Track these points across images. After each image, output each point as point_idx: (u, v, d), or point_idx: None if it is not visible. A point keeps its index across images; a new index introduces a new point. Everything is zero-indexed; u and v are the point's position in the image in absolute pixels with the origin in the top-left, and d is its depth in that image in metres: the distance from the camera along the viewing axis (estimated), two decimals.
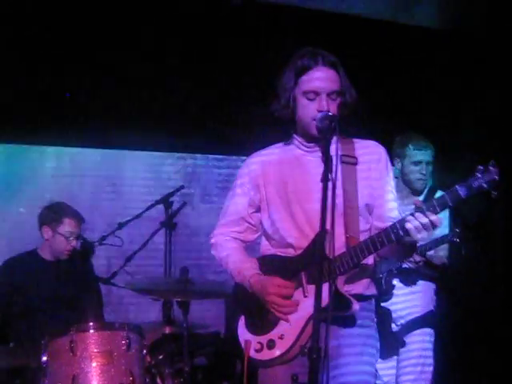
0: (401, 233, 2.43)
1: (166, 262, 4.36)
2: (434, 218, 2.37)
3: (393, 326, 4.05)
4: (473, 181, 2.33)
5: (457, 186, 2.36)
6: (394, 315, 4.04)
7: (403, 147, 4.14)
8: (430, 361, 4.07)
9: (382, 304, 3.95)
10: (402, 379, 4.06)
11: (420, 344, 4.05)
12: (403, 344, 4.04)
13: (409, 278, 4.05)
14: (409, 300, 4.06)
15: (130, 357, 3.19)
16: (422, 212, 2.37)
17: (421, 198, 4.11)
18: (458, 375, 5.11)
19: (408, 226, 2.39)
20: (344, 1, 5.22)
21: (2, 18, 4.65)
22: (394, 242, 2.47)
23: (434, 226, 2.38)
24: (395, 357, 4.07)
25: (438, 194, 4.12)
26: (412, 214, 2.40)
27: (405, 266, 4.00)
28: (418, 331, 4.06)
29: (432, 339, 4.10)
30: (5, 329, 4.19)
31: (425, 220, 2.37)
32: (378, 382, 4.16)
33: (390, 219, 2.63)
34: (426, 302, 4.11)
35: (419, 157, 4.11)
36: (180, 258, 4.33)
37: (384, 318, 3.89)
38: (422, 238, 2.42)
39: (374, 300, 2.81)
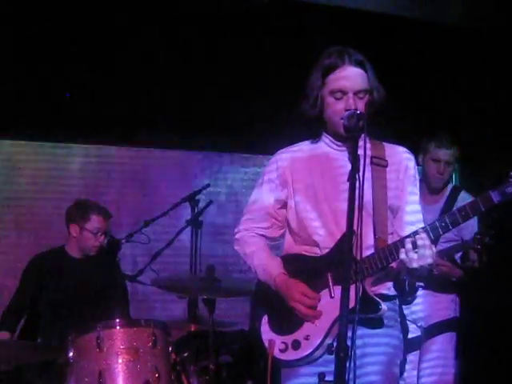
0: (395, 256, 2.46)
1: (191, 260, 4.36)
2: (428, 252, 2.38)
3: (413, 326, 4.02)
4: (507, 186, 2.30)
5: (490, 191, 2.33)
6: (414, 316, 4.02)
7: (427, 143, 4.14)
8: (452, 362, 4.05)
9: (404, 306, 3.92)
10: (422, 381, 4.04)
11: (441, 346, 4.03)
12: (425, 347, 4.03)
13: (432, 283, 4.02)
14: (429, 302, 4.02)
15: (156, 354, 3.19)
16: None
17: (442, 198, 4.07)
18: (480, 380, 5.08)
19: (401, 255, 2.41)
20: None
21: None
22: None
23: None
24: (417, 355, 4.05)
25: (462, 195, 4.09)
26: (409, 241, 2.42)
27: None
28: (439, 335, 4.03)
29: (453, 342, 4.07)
30: (33, 325, 4.23)
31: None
32: (401, 382, 4.16)
33: (411, 226, 2.64)
34: (447, 305, 4.07)
35: (439, 155, 4.08)
36: (206, 256, 4.32)
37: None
38: (418, 266, 2.41)
39: (397, 300, 2.79)
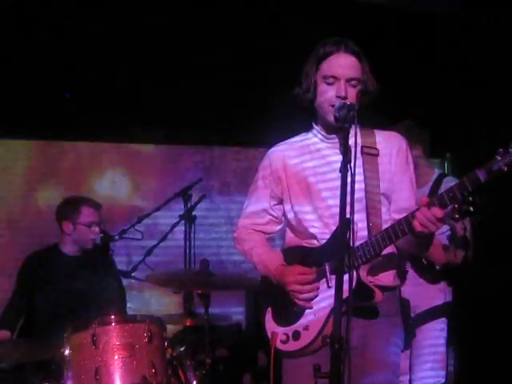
0: (406, 229, 2.45)
1: (185, 255, 4.36)
2: (439, 214, 2.36)
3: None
4: (493, 164, 2.29)
5: (476, 170, 2.32)
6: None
7: None
8: (443, 349, 4.06)
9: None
10: (414, 376, 4.05)
11: (431, 333, 4.04)
12: (414, 334, 4.03)
13: (421, 266, 4.02)
14: (416, 292, 4.02)
15: (152, 349, 3.19)
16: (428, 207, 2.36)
17: (428, 183, 4.05)
18: (474, 365, 5.10)
19: (414, 222, 2.40)
20: None
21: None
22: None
23: (440, 220, 2.37)
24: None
25: (447, 178, 4.09)
26: (417, 209, 2.39)
27: None
28: (429, 322, 4.04)
29: (444, 329, 4.08)
30: (29, 323, 4.23)
31: (431, 216, 2.36)
32: None
33: (406, 211, 2.60)
34: (435, 293, 4.07)
35: None
36: (200, 251, 4.33)
37: (403, 308, 3.88)
38: (429, 232, 2.41)
39: (398, 290, 2.80)
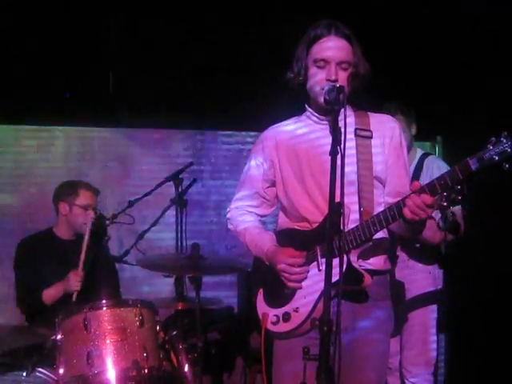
0: (397, 215, 2.45)
1: (177, 239, 4.36)
2: (429, 200, 2.36)
3: None
4: (484, 153, 2.29)
5: (468, 159, 2.31)
6: None
7: None
8: (433, 336, 4.09)
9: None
10: (404, 356, 4.08)
11: (421, 319, 4.06)
12: (406, 318, 4.06)
13: (411, 248, 4.04)
14: (406, 275, 4.04)
15: (144, 333, 3.21)
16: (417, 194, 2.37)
17: (412, 164, 4.05)
18: (467, 351, 5.13)
19: (405, 210, 2.41)
20: None
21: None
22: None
23: (430, 207, 2.38)
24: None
25: (431, 159, 4.10)
26: (407, 197, 2.40)
27: None
28: (419, 308, 4.06)
29: (434, 316, 4.10)
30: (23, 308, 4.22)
31: (420, 203, 2.37)
32: None
33: (401, 194, 2.61)
34: (425, 275, 4.09)
35: None
36: (191, 235, 4.32)
37: (397, 290, 3.90)
38: (419, 219, 2.41)
39: (388, 274, 2.81)
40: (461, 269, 4.68)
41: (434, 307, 4.11)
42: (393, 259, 3.87)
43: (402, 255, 4.04)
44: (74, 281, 3.97)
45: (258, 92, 5.08)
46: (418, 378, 4.06)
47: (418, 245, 3.99)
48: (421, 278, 4.07)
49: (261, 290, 2.84)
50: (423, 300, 4.08)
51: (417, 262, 4.07)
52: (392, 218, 2.48)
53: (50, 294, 4.04)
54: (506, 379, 4.81)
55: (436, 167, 4.00)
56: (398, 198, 2.52)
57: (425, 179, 3.90)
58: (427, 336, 4.08)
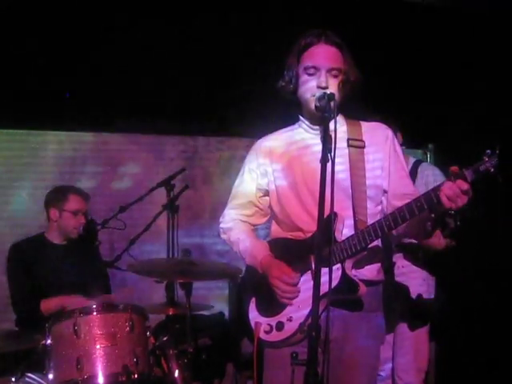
0: (425, 205, 2.40)
1: (168, 245, 4.35)
2: (465, 187, 2.33)
3: None
4: (480, 165, 2.31)
5: (463, 170, 2.33)
6: None
7: None
8: (425, 344, 4.10)
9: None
10: (396, 363, 4.09)
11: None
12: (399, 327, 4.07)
13: (413, 254, 4.05)
14: (405, 280, 4.05)
15: (134, 338, 3.21)
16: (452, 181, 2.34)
17: None
18: (456, 360, 5.14)
19: (441, 194, 2.35)
20: None
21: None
22: (413, 217, 2.44)
23: (466, 193, 2.34)
24: (391, 335, 4.09)
25: (424, 166, 4.12)
26: (441, 184, 2.37)
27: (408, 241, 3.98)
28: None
29: (427, 323, 4.11)
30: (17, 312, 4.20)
31: (455, 188, 2.33)
32: None
33: (407, 196, 2.62)
34: (419, 281, 4.10)
35: None
36: (183, 240, 4.32)
37: (399, 293, 3.91)
38: (453, 208, 2.36)
39: (381, 285, 2.80)
40: (450, 277, 4.69)
41: (427, 315, 4.12)
42: (389, 267, 3.89)
43: (398, 262, 4.05)
44: (77, 306, 3.96)
45: (251, 98, 5.09)
46: None
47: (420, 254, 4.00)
48: (416, 286, 4.08)
49: (253, 299, 2.82)
50: (417, 308, 4.08)
51: (413, 262, 4.08)
52: (410, 215, 2.44)
53: (50, 306, 4.01)
54: None
55: (431, 174, 4.02)
56: (406, 200, 2.52)
57: (419, 186, 3.91)
58: (419, 344, 4.08)
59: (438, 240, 3.81)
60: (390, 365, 4.14)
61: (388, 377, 4.15)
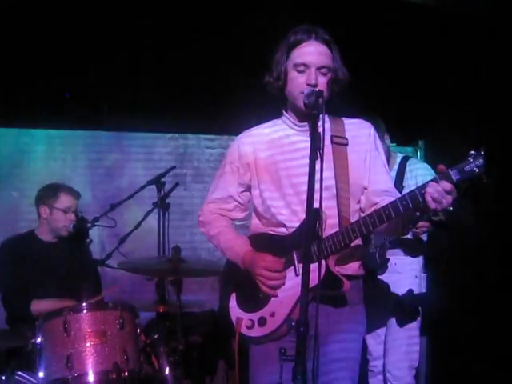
0: (410, 204, 2.42)
1: (159, 243, 4.36)
2: (448, 187, 2.34)
3: None
4: (465, 165, 2.33)
5: (449, 170, 2.35)
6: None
7: None
8: (416, 339, 4.12)
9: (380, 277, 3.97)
10: (388, 359, 4.10)
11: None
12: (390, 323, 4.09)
13: (410, 248, 4.06)
14: (393, 278, 4.06)
15: (124, 336, 3.21)
16: (436, 181, 2.35)
17: (393, 168, 4.08)
18: (447, 356, 5.16)
19: (426, 196, 2.36)
20: None
21: None
22: (398, 216, 2.45)
23: (449, 194, 2.35)
24: (384, 331, 4.11)
25: (413, 161, 4.13)
26: (426, 185, 2.38)
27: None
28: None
29: (419, 319, 4.13)
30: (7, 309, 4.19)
31: (440, 189, 2.34)
32: (368, 356, 4.23)
33: (385, 193, 2.66)
34: (411, 280, 4.11)
35: None
36: (174, 238, 4.32)
37: (382, 291, 3.92)
38: (438, 208, 2.38)
39: (362, 279, 2.81)
40: (443, 272, 4.72)
41: (418, 311, 4.14)
42: (383, 263, 3.90)
43: (391, 259, 4.06)
44: None
45: (241, 96, 5.09)
46: (400, 381, 4.08)
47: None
48: (409, 283, 4.10)
49: (233, 295, 2.82)
50: (408, 303, 4.10)
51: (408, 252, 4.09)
52: (395, 214, 2.44)
53: (40, 307, 4.00)
54: (487, 382, 4.85)
55: (421, 168, 4.04)
56: (384, 197, 2.55)
57: (409, 182, 3.93)
58: (411, 340, 4.10)
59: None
60: (381, 361, 4.16)
61: (379, 372, 4.18)
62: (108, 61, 5.10)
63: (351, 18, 5.00)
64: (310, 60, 2.64)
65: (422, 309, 4.14)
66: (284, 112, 2.81)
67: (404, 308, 4.06)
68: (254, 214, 2.90)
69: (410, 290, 4.07)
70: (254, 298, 2.72)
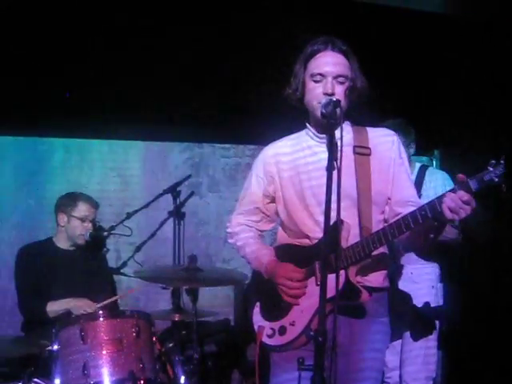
0: (429, 215, 2.41)
1: (174, 251, 4.37)
2: (466, 198, 2.34)
3: None
4: (484, 174, 2.32)
5: (468, 179, 2.34)
6: None
7: None
8: (433, 351, 4.09)
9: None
10: (404, 370, 4.08)
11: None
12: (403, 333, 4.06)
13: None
14: (409, 288, 4.04)
15: (140, 344, 3.22)
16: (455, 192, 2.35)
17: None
18: (464, 366, 5.12)
19: (443, 206, 2.36)
20: None
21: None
22: (417, 226, 2.45)
23: (467, 204, 2.35)
24: (399, 342, 4.08)
25: (433, 171, 4.13)
26: (444, 195, 2.37)
27: None
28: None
29: (436, 331, 4.10)
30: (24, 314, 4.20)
31: (457, 199, 2.34)
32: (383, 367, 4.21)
33: (409, 203, 2.66)
34: (427, 291, 4.09)
35: None
36: (189, 247, 4.33)
37: (399, 302, 3.90)
38: (456, 219, 2.38)
39: (387, 292, 2.81)
40: (460, 285, 4.69)
41: (436, 323, 4.12)
42: (395, 272, 3.88)
43: (407, 268, 4.05)
44: (83, 308, 3.98)
45: (257, 106, 5.10)
46: None
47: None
48: (425, 293, 4.08)
49: (258, 303, 2.86)
50: (425, 315, 4.08)
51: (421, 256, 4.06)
52: (414, 224, 2.44)
53: (56, 308, 4.04)
54: None
55: (440, 178, 4.04)
56: (408, 207, 2.56)
57: (428, 191, 3.93)
58: (428, 351, 4.08)
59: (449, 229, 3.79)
60: (396, 372, 4.14)
61: (395, 383, 4.16)
62: (125, 73, 5.13)
63: (365, 28, 5.01)
64: (326, 70, 2.66)
65: (439, 321, 4.13)
66: (307, 123, 2.83)
67: (420, 321, 4.04)
68: (280, 226, 2.94)
69: (427, 303, 4.06)
70: (275, 308, 2.76)
